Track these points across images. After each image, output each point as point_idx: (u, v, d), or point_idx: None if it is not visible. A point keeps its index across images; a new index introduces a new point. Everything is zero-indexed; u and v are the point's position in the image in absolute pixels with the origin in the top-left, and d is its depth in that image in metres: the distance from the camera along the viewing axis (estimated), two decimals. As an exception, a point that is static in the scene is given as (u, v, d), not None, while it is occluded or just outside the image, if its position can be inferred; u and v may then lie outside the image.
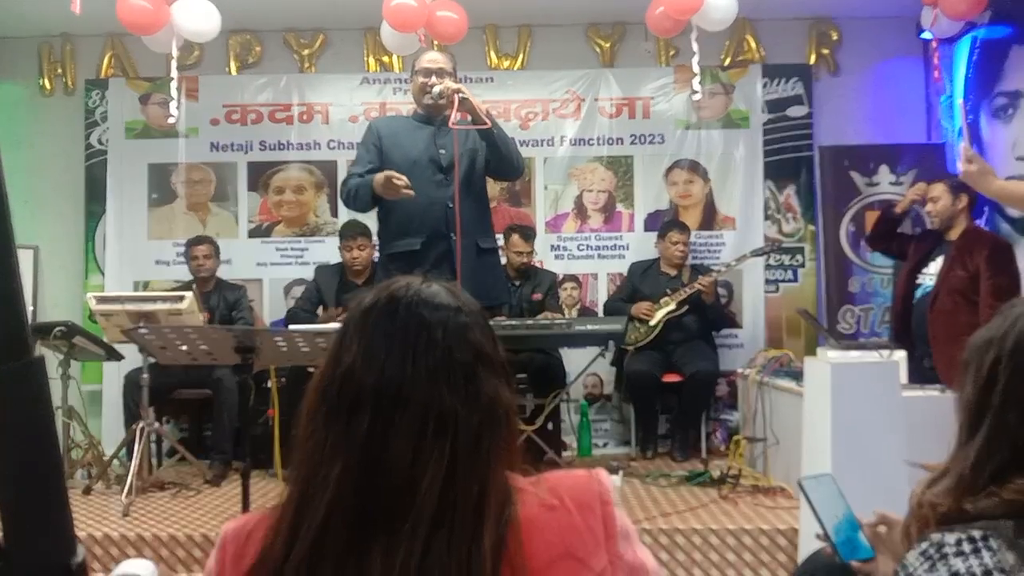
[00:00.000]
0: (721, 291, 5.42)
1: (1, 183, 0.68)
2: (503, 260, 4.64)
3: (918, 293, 4.36)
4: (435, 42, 5.47)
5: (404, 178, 3.42)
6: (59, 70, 5.85)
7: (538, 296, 5.18)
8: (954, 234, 4.30)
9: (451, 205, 3.50)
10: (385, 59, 5.80)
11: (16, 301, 0.68)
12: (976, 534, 0.97)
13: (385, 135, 3.66)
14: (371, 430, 0.99)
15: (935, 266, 4.32)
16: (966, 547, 0.97)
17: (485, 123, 3.43)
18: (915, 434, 2.94)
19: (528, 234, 5.23)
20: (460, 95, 3.40)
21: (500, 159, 3.56)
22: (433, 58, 3.69)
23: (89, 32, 5.68)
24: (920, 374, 3.99)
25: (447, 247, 3.50)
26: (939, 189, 4.33)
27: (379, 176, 3.47)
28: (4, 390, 0.69)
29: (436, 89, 3.47)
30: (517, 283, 5.22)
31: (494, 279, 3.77)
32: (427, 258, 3.49)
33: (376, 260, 4.58)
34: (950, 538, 0.98)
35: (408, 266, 3.51)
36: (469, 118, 3.47)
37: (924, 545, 1.00)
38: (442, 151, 3.56)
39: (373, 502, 0.98)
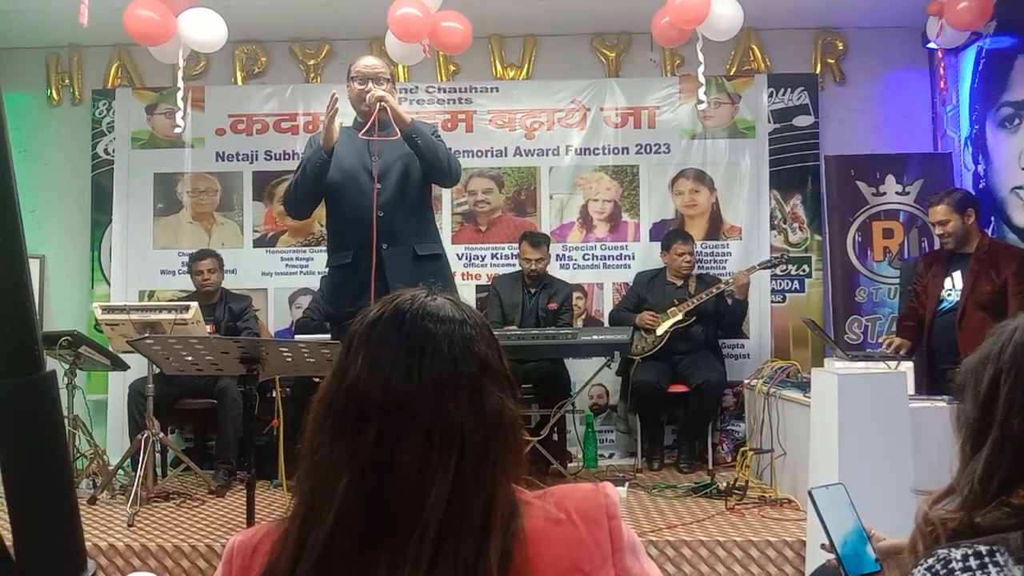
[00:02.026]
0: (728, 301, 5.40)
1: (15, 202, 0.68)
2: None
3: (940, 307, 4.33)
4: (439, 53, 5.50)
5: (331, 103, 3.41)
6: (66, 80, 5.89)
7: (554, 306, 5.16)
8: (969, 247, 4.27)
9: (382, 214, 3.44)
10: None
11: (29, 317, 0.68)
12: (983, 549, 0.97)
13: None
14: (377, 443, 0.99)
15: (950, 281, 4.30)
16: (972, 563, 0.96)
17: (395, 133, 3.41)
18: (922, 445, 2.93)
19: (536, 240, 5.21)
20: (382, 103, 3.38)
21: (428, 165, 3.51)
22: (370, 64, 3.62)
23: (96, 43, 5.71)
24: (940, 386, 3.96)
25: (379, 257, 3.44)
26: (943, 211, 4.27)
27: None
28: (16, 404, 0.69)
29: (368, 96, 3.45)
30: (533, 291, 5.22)
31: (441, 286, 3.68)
32: (358, 270, 3.45)
33: None
34: (956, 554, 0.97)
35: (344, 279, 3.51)
36: (390, 125, 3.43)
37: (931, 561, 0.99)
38: (375, 159, 3.50)
39: (379, 515, 0.97)
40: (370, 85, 3.48)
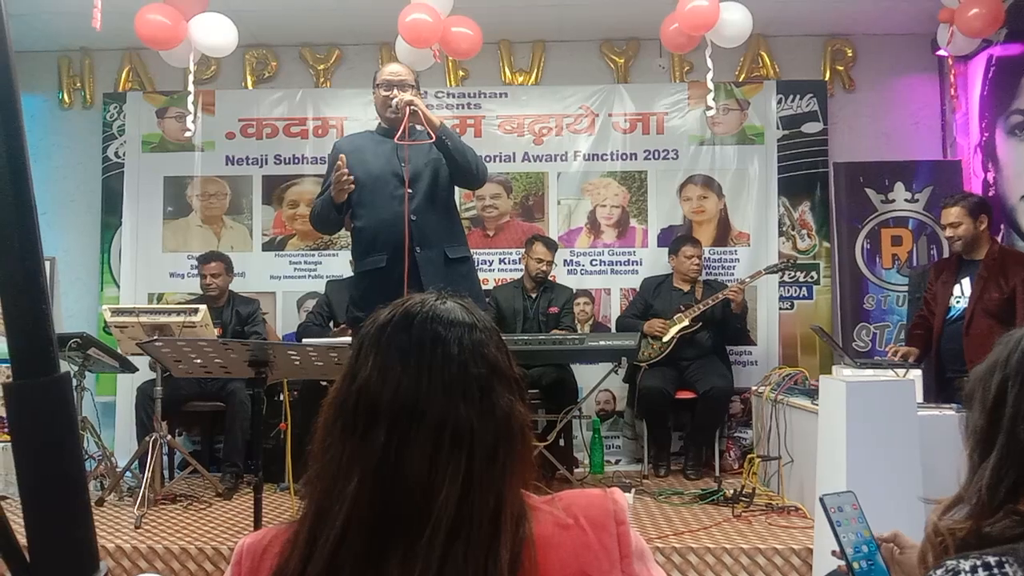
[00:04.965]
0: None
1: (32, 206, 0.69)
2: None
3: (949, 315, 4.31)
4: (448, 58, 5.52)
5: (343, 168, 3.42)
6: (78, 84, 5.93)
7: (555, 309, 5.18)
8: (979, 254, 4.25)
9: (414, 218, 3.48)
10: (400, 74, 5.83)
11: (44, 319, 0.69)
12: (992, 560, 0.96)
13: (347, 153, 3.61)
14: (387, 444, 0.99)
15: (959, 288, 4.28)
16: (981, 573, 0.96)
17: (431, 136, 3.44)
18: (930, 453, 2.92)
19: (551, 244, 5.26)
20: (411, 107, 3.42)
21: (456, 168, 3.55)
22: (394, 71, 3.67)
23: (108, 46, 5.75)
24: (949, 394, 3.95)
25: (412, 261, 3.47)
26: (957, 213, 4.23)
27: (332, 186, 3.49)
28: (30, 405, 0.69)
29: (394, 102, 3.49)
30: (533, 295, 5.23)
31: (467, 288, 3.74)
32: (393, 273, 3.47)
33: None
34: (965, 564, 0.97)
35: (377, 283, 3.52)
36: (421, 128, 3.46)
37: (939, 572, 0.99)
38: (405, 164, 3.54)
39: (390, 515, 0.98)
40: (395, 92, 3.53)
